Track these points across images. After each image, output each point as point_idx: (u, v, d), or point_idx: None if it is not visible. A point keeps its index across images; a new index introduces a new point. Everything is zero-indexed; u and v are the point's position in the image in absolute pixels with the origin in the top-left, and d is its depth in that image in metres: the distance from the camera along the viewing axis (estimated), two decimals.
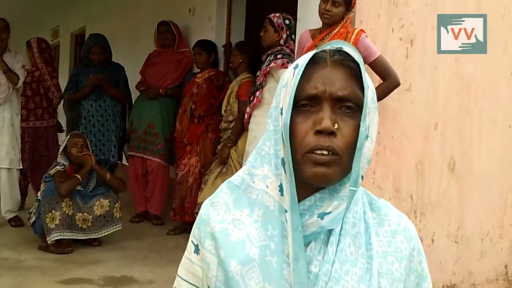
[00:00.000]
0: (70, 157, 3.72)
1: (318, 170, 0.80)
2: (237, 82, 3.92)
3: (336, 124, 0.80)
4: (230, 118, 3.87)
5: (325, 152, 0.79)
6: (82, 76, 4.66)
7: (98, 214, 3.69)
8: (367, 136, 0.82)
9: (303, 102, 0.82)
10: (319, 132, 0.80)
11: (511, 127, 3.27)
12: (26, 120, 4.68)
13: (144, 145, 4.56)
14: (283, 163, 0.83)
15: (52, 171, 3.62)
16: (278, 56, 3.21)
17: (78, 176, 3.61)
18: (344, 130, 0.80)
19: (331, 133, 0.79)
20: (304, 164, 0.81)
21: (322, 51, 0.85)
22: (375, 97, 0.84)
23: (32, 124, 4.73)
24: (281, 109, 0.83)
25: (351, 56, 0.83)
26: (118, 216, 3.79)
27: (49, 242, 3.50)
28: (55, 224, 3.48)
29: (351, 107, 0.82)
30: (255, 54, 3.94)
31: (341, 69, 0.82)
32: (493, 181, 3.21)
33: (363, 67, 0.82)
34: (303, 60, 0.83)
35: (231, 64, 4.13)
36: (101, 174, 3.78)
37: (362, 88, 0.82)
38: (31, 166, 4.69)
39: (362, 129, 0.79)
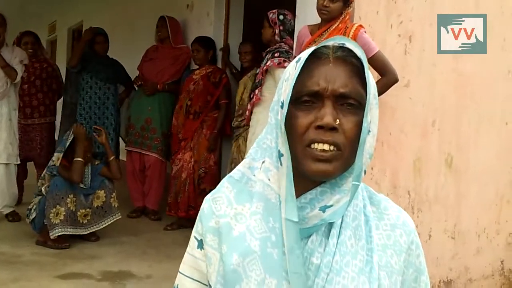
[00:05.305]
0: (81, 136, 3.70)
1: (319, 166, 0.80)
2: (250, 77, 3.91)
3: (337, 120, 0.80)
4: (240, 112, 3.90)
5: (326, 148, 0.80)
6: (86, 61, 4.65)
7: (96, 206, 3.71)
8: (369, 131, 0.83)
9: (305, 98, 0.83)
10: (320, 127, 0.80)
11: (508, 124, 3.28)
12: (43, 116, 4.85)
13: (142, 140, 4.56)
14: (281, 155, 0.83)
15: (55, 160, 3.63)
16: (276, 55, 3.23)
17: (79, 159, 3.62)
18: (346, 126, 0.81)
19: (333, 129, 0.80)
20: (304, 159, 0.81)
21: (325, 46, 0.85)
22: (377, 93, 0.85)
23: (44, 120, 4.88)
24: (282, 103, 0.84)
25: (353, 52, 0.83)
26: (115, 205, 3.79)
27: (51, 237, 3.50)
28: (60, 220, 3.48)
29: (353, 103, 0.82)
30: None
31: (343, 65, 0.83)
32: (489, 177, 3.23)
33: (366, 63, 0.82)
34: (305, 54, 0.84)
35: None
36: (107, 151, 3.88)
37: (363, 84, 0.82)
38: (42, 163, 4.69)
39: (364, 124, 0.80)
